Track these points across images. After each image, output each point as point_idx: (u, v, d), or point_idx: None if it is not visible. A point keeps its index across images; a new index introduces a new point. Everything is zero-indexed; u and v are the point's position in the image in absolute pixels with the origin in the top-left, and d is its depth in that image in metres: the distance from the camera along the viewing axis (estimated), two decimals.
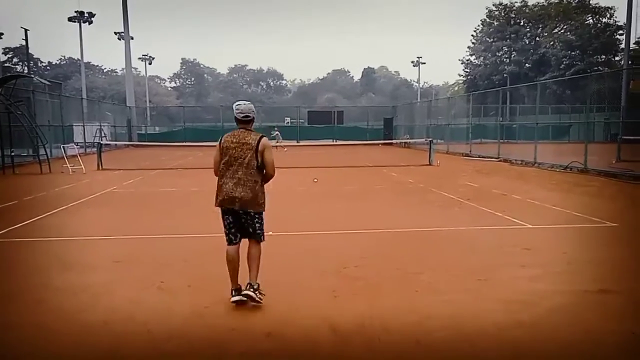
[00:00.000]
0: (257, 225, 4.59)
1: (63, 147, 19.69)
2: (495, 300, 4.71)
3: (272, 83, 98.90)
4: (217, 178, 4.58)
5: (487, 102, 39.94)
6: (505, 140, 23.42)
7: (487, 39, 62.52)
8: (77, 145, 23.17)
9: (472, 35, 65.02)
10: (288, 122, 46.32)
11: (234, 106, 4.62)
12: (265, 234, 4.70)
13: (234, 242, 4.60)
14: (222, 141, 4.56)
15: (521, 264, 5.93)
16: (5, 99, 16.95)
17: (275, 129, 33.28)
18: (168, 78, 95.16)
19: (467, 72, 65.36)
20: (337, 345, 3.84)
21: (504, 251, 6.64)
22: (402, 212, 9.64)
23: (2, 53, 58.68)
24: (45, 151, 17.87)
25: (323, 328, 4.08)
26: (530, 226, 8.04)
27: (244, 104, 4.58)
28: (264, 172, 4.56)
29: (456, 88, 76.07)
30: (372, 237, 7.38)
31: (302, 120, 44.72)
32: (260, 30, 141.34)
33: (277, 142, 30.26)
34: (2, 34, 42.50)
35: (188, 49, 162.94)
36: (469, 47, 65.03)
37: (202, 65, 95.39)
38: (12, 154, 17.41)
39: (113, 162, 19.76)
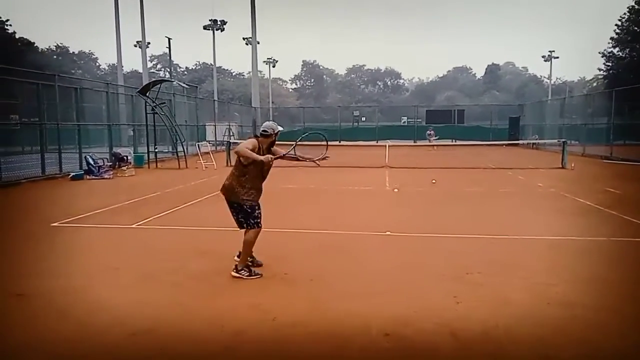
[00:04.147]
0: None
1: (198, 144, 21.60)
2: None
3: (389, 82, 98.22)
4: None
5: (634, 99, 35.32)
6: None
7: (636, 27, 55.21)
8: (209, 143, 25.25)
9: (617, 25, 57.92)
10: (404, 122, 45.63)
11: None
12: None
13: None
14: None
15: None
16: (151, 101, 19.06)
17: (431, 128, 33.03)
18: (289, 80, 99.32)
19: (608, 65, 58.38)
20: (458, 351, 3.70)
21: None
22: (531, 218, 8.96)
23: (149, 60, 66.03)
24: (183, 148, 19.73)
25: (443, 332, 3.95)
26: None
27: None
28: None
29: (595, 84, 68.56)
30: (496, 243, 6.96)
31: (420, 120, 43.77)
32: (379, 30, 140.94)
33: (430, 141, 30.13)
34: (149, 43, 47.80)
35: (309, 51, 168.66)
36: (612, 39, 58.04)
37: (321, 67, 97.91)
38: (156, 150, 19.56)
39: None
